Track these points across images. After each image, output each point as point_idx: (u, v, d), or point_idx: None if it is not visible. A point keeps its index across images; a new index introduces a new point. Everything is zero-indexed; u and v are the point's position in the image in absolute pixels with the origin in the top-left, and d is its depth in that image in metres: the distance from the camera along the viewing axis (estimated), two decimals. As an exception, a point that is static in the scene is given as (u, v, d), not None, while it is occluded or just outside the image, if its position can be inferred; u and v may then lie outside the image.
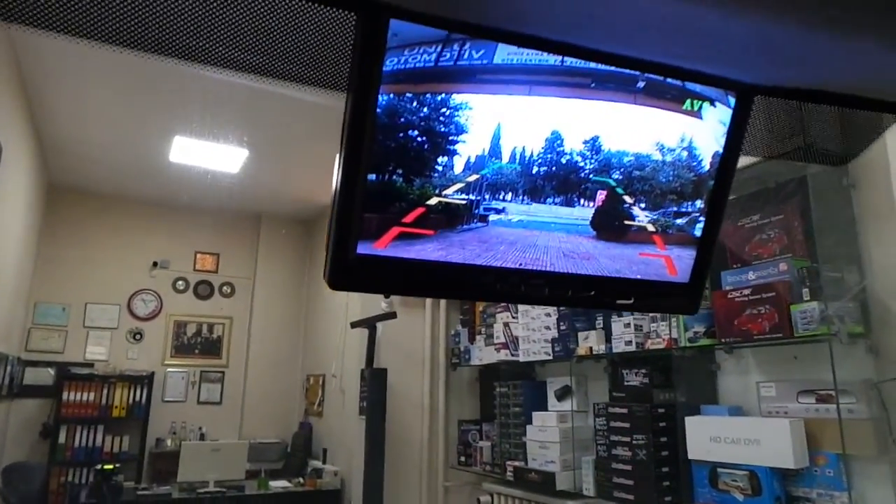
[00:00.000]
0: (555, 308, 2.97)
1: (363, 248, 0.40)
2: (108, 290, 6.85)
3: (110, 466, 4.68)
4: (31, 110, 4.78)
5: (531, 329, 3.14)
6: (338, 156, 0.39)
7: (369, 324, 3.71)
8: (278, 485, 5.24)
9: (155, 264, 7.09)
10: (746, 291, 2.06)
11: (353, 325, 3.90)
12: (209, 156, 5.52)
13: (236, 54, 0.41)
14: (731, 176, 0.42)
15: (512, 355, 3.27)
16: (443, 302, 4.01)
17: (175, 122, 4.92)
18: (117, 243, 6.91)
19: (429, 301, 3.98)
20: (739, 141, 0.42)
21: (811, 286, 1.87)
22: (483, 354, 3.54)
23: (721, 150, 0.41)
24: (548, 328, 3.03)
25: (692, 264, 0.41)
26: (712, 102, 0.40)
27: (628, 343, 2.54)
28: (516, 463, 3.11)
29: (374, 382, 3.59)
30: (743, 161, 1.94)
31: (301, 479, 5.48)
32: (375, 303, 3.84)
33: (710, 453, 2.14)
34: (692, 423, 2.22)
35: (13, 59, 4.00)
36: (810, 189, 1.94)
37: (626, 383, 2.60)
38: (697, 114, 0.41)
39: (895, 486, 1.77)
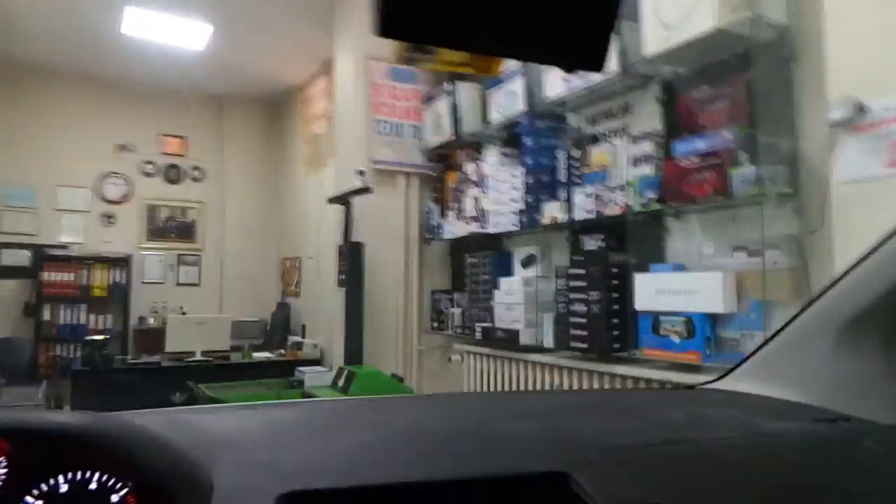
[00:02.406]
0: (522, 181, 3.16)
1: None
2: (76, 172, 6.79)
3: (100, 337, 4.91)
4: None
5: (499, 202, 3.33)
6: None
7: (345, 199, 3.86)
8: (261, 356, 5.58)
9: (121, 147, 7.01)
10: (694, 159, 2.26)
11: (331, 200, 4.05)
12: (167, 30, 5.31)
13: None
14: None
15: (481, 227, 3.49)
16: (415, 179, 4.17)
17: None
18: (78, 124, 6.76)
19: (402, 178, 4.13)
20: None
21: (749, 151, 2.08)
22: (454, 228, 3.75)
23: None
24: (514, 201, 3.23)
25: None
26: None
27: (588, 211, 2.76)
28: (484, 324, 3.42)
29: (352, 255, 3.80)
30: (696, 31, 2.07)
31: (282, 351, 5.83)
32: (350, 181, 3.97)
33: (654, 304, 2.43)
34: (640, 279, 2.50)
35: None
36: (754, 60, 2.10)
37: (584, 248, 2.86)
38: None
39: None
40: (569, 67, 0.45)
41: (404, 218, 4.14)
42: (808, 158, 2.05)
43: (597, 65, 0.45)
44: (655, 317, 2.45)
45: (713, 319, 2.29)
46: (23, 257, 6.44)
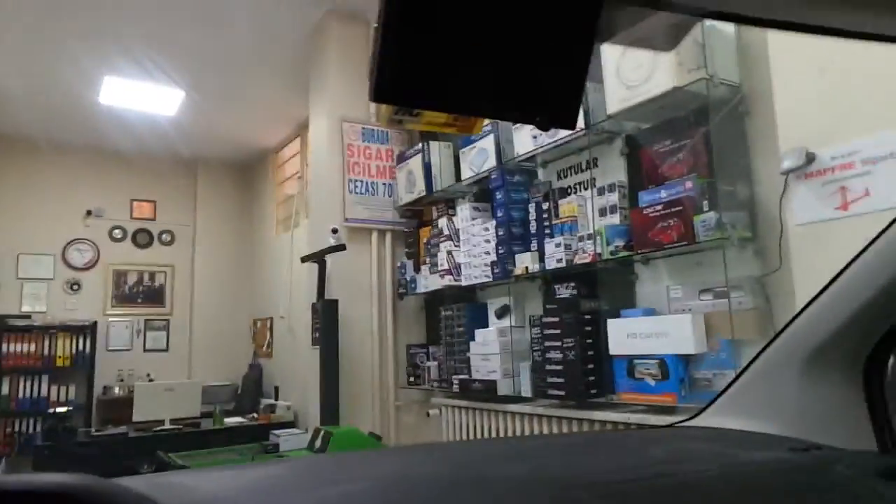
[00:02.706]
0: (494, 234, 3.23)
1: None
2: (41, 240, 6.69)
3: (63, 410, 4.74)
4: (-52, 50, 4.56)
5: (472, 255, 3.40)
6: None
7: (319, 257, 3.88)
8: (233, 420, 5.43)
9: (89, 213, 6.95)
10: (659, 207, 2.36)
11: (304, 259, 4.06)
12: (143, 98, 5.42)
13: None
14: None
15: (455, 280, 3.53)
16: (388, 235, 4.22)
17: (104, 62, 4.80)
18: (48, 191, 6.72)
19: (375, 235, 4.17)
20: None
21: (710, 199, 2.19)
22: (428, 282, 3.79)
23: None
24: (487, 253, 3.30)
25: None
26: None
27: (559, 261, 2.83)
28: (461, 376, 3.42)
29: (327, 312, 3.79)
30: (656, 90, 2.21)
31: (255, 415, 5.69)
32: (323, 239, 4.00)
33: (627, 348, 2.48)
34: (613, 325, 2.56)
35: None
36: (711, 115, 2.24)
37: (557, 296, 2.92)
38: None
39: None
40: (545, 126, 0.52)
41: (378, 274, 4.16)
42: (764, 204, 2.16)
43: (570, 122, 0.52)
44: (630, 360, 2.49)
45: (686, 360, 2.35)
46: (-18, 328, 6.22)
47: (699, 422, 1.18)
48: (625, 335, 2.50)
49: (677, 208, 2.30)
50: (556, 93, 0.52)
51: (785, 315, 2.10)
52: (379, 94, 0.45)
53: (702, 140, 2.35)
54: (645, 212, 2.42)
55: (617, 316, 2.61)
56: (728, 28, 2.28)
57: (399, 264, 4.15)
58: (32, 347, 6.23)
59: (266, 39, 4.60)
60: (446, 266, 3.58)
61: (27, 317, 6.41)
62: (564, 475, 0.84)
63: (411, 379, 3.99)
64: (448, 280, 3.56)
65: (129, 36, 4.45)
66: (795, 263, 1.93)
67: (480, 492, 0.76)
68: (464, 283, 3.46)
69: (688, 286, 2.44)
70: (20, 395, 6.13)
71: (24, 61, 4.85)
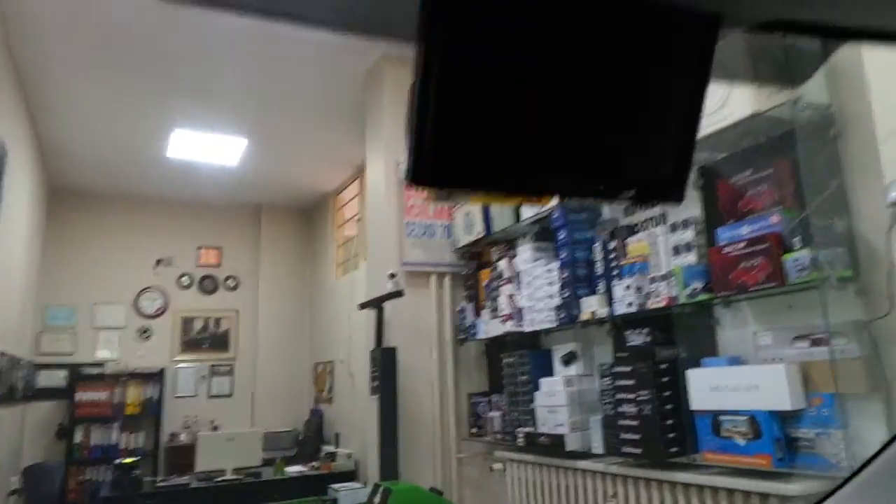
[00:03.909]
0: (558, 276, 3.05)
1: None
2: (114, 290, 6.93)
3: (130, 460, 4.78)
4: (30, 112, 4.83)
5: (535, 299, 3.22)
6: None
7: (377, 304, 3.79)
8: (294, 470, 5.35)
9: (158, 262, 7.17)
10: (741, 245, 2.14)
11: (362, 306, 3.98)
12: (207, 148, 5.58)
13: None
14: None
15: (517, 326, 3.36)
16: (447, 278, 4.09)
17: (172, 116, 4.98)
18: (120, 243, 6.99)
19: (433, 278, 4.06)
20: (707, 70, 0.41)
21: (802, 235, 1.96)
22: (489, 327, 3.62)
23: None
24: (551, 297, 3.12)
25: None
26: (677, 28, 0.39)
27: (629, 305, 2.62)
28: (526, 429, 3.21)
29: (385, 361, 3.68)
30: (733, 117, 2.01)
31: (315, 464, 5.59)
32: (381, 284, 3.92)
33: (711, 402, 2.23)
34: (694, 375, 2.32)
35: (11, 62, 4.05)
36: (798, 141, 2.03)
37: (629, 343, 2.69)
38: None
39: (888, 420, 1.86)
40: (642, 201, 0.37)
41: (437, 318, 4.03)
42: (866, 239, 1.91)
43: (677, 194, 0.37)
44: (714, 416, 2.24)
45: (781, 417, 2.08)
46: (58, 378, 6.45)
47: None
48: (708, 388, 2.25)
49: (763, 245, 2.08)
50: (656, 157, 0.37)
51: (900, 366, 1.83)
52: (418, 174, 0.33)
53: (787, 169, 2.13)
54: (724, 250, 2.20)
55: (697, 365, 2.36)
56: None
57: (459, 308, 4.01)
58: (104, 396, 6.39)
59: (323, 86, 4.66)
60: (507, 310, 3.41)
61: (100, 365, 6.60)
62: None
63: (473, 430, 3.80)
64: (509, 325, 3.39)
65: (193, 91, 4.59)
66: (911, 306, 1.67)
67: None
68: (526, 328, 3.28)
69: (778, 332, 2.18)
70: (92, 443, 6.27)
71: (97, 120, 5.09)
